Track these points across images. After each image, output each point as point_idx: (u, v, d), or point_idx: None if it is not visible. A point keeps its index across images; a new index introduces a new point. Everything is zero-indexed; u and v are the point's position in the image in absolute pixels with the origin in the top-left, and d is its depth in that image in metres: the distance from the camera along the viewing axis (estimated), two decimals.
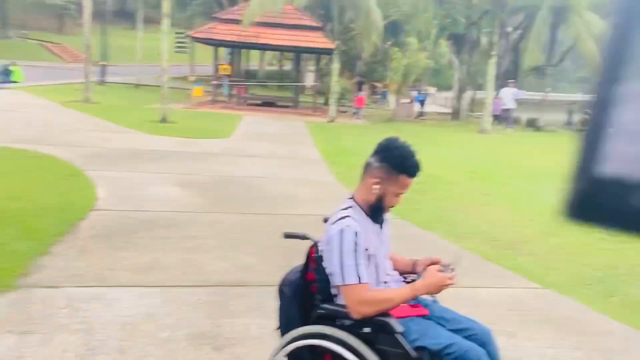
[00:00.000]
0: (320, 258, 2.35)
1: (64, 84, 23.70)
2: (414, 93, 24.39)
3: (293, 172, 9.38)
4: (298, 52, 24.97)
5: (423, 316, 2.38)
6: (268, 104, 23.21)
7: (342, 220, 2.28)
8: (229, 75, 24.67)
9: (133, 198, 6.80)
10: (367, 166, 2.36)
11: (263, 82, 33.75)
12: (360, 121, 20.53)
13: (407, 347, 2.19)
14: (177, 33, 28.67)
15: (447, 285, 2.27)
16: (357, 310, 2.19)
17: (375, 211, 2.36)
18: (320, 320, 2.37)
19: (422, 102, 24.05)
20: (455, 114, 24.03)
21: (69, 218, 5.75)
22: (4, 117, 13.12)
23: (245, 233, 5.74)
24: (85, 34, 17.95)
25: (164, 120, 14.39)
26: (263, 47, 26.00)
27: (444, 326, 2.37)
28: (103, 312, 3.74)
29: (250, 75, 38.76)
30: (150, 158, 9.52)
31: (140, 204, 6.56)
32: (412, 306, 2.42)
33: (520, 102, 21.41)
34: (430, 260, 2.47)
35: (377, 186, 2.30)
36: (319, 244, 2.39)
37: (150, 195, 7.01)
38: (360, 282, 2.20)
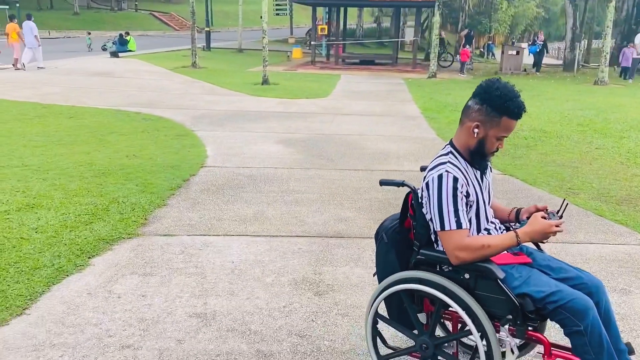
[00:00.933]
0: (420, 205, 2.34)
1: (173, 51, 24.98)
2: (525, 45, 22.83)
3: (392, 129, 9.30)
4: (397, 7, 24.31)
5: (526, 264, 2.32)
6: (366, 62, 22.99)
7: (441, 166, 2.25)
8: (327, 35, 24.66)
9: (238, 155, 7.13)
10: (467, 109, 2.29)
11: (361, 40, 33.37)
12: (464, 76, 19.75)
13: (510, 293, 2.15)
14: None
15: (552, 233, 2.19)
16: (456, 256, 2.18)
17: (476, 156, 2.30)
18: (418, 266, 2.39)
19: (539, 54, 21.97)
20: (567, 65, 22.35)
21: (182, 174, 6.16)
22: (121, 83, 14.14)
23: (343, 188, 5.84)
24: (190, 1, 18.67)
25: (265, 82, 14.76)
26: (361, 4, 25.59)
27: (549, 275, 2.30)
28: (214, 258, 4.02)
29: (349, 34, 38.47)
30: (253, 118, 9.86)
31: (244, 160, 6.87)
32: (515, 254, 2.36)
33: None
34: (536, 208, 2.38)
35: (477, 130, 2.24)
36: (417, 191, 2.38)
37: (254, 152, 7.30)
38: (459, 228, 2.18)
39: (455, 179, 2.20)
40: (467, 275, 2.24)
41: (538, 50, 21.46)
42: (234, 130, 8.73)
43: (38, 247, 4.07)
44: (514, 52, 21.35)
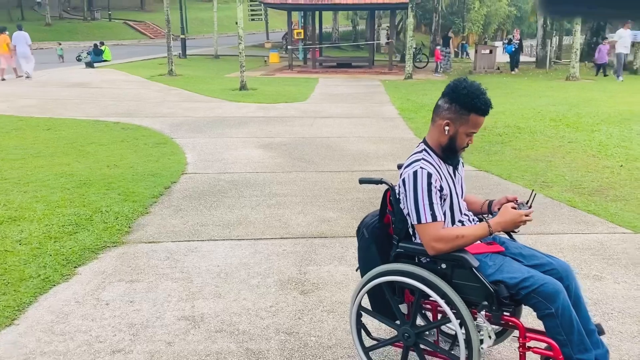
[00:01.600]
0: (398, 200, 2.46)
1: (149, 60, 24.86)
2: (499, 43, 23.17)
3: (370, 130, 9.44)
4: (372, 9, 24.55)
5: (499, 253, 2.44)
6: (343, 65, 23.18)
7: (416, 163, 2.37)
8: (302, 40, 24.80)
9: (219, 161, 7.18)
10: (437, 108, 2.41)
11: (337, 43, 33.60)
12: (439, 75, 20.04)
13: (484, 280, 2.27)
14: (251, 1, 29.04)
15: (522, 222, 2.32)
16: (432, 247, 2.30)
17: (448, 152, 2.42)
18: (398, 259, 2.50)
19: (515, 52, 21.86)
20: (540, 62, 22.81)
21: (163, 182, 6.20)
22: (97, 93, 14.07)
23: (325, 190, 5.94)
24: (165, 9, 18.64)
25: (243, 87, 14.82)
26: (336, 7, 25.77)
27: (521, 262, 2.42)
28: (199, 263, 4.09)
29: (325, 37, 38.68)
30: (232, 124, 9.92)
31: (226, 166, 6.93)
32: (488, 243, 2.49)
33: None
34: (506, 199, 2.51)
35: (448, 127, 2.36)
36: (395, 188, 2.49)
37: (235, 158, 7.37)
38: (434, 221, 2.29)
39: (430, 175, 2.32)
40: (443, 265, 2.35)
41: (514, 49, 21.81)
42: (214, 137, 8.78)
43: (23, 258, 4.09)
44: (487, 51, 21.73)
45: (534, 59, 25.40)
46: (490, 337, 2.31)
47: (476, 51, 21.84)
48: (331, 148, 7.97)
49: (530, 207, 2.40)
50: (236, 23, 15.21)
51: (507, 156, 7.45)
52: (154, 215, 5.15)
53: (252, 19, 32.07)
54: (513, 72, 20.95)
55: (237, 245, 4.43)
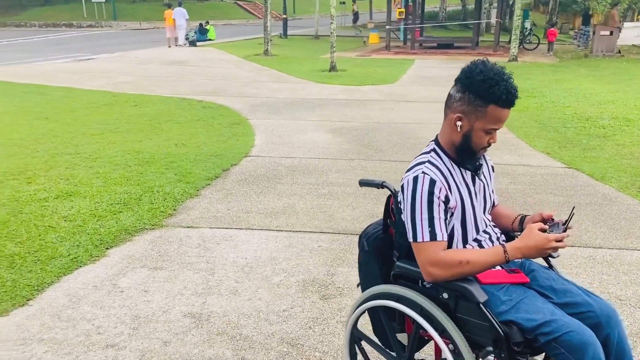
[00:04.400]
0: (399, 210, 2.03)
1: (250, 39, 25.30)
2: (631, 24, 20.75)
3: None
4: None
5: (522, 284, 1.95)
6: (444, 46, 22.07)
7: (418, 167, 1.93)
8: (404, 19, 23.91)
9: (285, 145, 6.97)
10: (449, 99, 1.94)
11: (441, 23, 32.14)
12: (549, 59, 18.42)
13: (493, 319, 1.81)
14: None
15: (551, 249, 1.81)
16: (428, 272, 1.86)
17: (463, 154, 1.94)
18: (398, 280, 2.09)
19: None
20: None
21: (223, 163, 6.10)
22: (192, 71, 14.46)
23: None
24: None
25: (332, 68, 14.51)
26: None
27: (551, 298, 1.92)
28: (228, 254, 3.88)
29: (431, 17, 37.19)
30: (310, 106, 9.67)
31: (290, 150, 6.70)
32: (510, 271, 1.99)
33: None
34: (541, 217, 1.99)
35: (461, 122, 1.88)
36: (397, 193, 2.07)
37: (302, 142, 7.11)
38: (433, 240, 1.85)
39: (432, 182, 1.87)
40: (445, 295, 1.91)
41: None
42: (289, 119, 8.58)
43: (61, 235, 4.12)
44: (607, 33, 19.55)
45: None
46: None
47: (594, 32, 19.75)
48: (404, 135, 7.45)
49: (566, 229, 1.87)
50: (335, 5, 14.84)
51: (606, 152, 6.51)
52: (202, 199, 5.03)
53: (342, 2, 31.64)
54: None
55: (272, 237, 4.17)
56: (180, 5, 20.94)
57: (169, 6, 21.50)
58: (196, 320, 3.04)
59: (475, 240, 2.01)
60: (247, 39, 25.70)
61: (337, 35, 15.23)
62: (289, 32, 27.51)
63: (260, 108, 9.49)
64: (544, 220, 1.95)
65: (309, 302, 3.23)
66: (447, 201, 1.89)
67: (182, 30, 21.49)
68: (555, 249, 1.81)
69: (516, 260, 1.98)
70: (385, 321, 2.12)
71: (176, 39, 21.63)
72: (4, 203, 4.79)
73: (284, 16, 27.87)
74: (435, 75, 13.97)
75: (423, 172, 1.89)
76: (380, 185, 2.20)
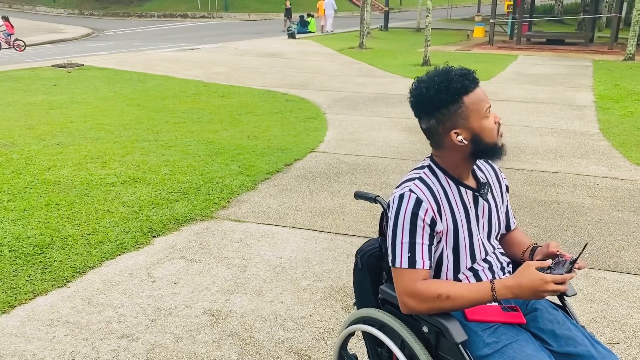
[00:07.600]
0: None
1: (350, 32, 25.22)
2: None
3: (546, 119, 8.11)
4: None
5: (517, 324, 1.70)
6: (554, 41, 20.60)
7: (406, 184, 1.74)
8: (513, 12, 22.63)
9: (354, 141, 6.83)
10: (428, 135, 1.80)
11: (555, 17, 30.02)
12: None
13: None
14: None
15: (548, 292, 1.54)
16: (403, 302, 1.67)
17: (488, 154, 1.73)
18: (386, 304, 1.91)
19: None
20: None
21: (287, 158, 6.09)
22: (284, 63, 14.67)
23: None
24: None
25: (425, 63, 14.07)
26: None
27: (549, 345, 1.65)
28: (266, 251, 3.85)
29: (546, 10, 34.91)
30: (392, 102, 9.42)
31: (356, 148, 6.55)
32: (508, 308, 1.75)
33: None
34: (549, 249, 1.73)
35: (460, 136, 1.68)
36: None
37: (372, 139, 6.93)
38: (411, 267, 1.66)
39: (418, 202, 1.67)
40: (425, 329, 1.71)
41: None
42: (365, 115, 8.41)
43: (115, 221, 4.31)
44: None
45: None
46: None
47: None
48: None
49: (571, 269, 1.58)
50: None
51: None
52: (258, 193, 5.05)
53: None
54: None
55: (313, 238, 4.07)
56: None
57: None
58: (214, 318, 3.03)
59: (471, 269, 1.78)
60: (346, 31, 25.66)
61: (440, 28, 14.73)
62: (391, 25, 27.10)
63: (340, 103, 9.39)
64: (550, 256, 1.69)
65: (329, 310, 3.10)
66: (433, 225, 1.68)
67: (330, 18, 25.31)
68: (553, 292, 1.54)
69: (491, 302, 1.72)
70: (371, 347, 1.96)
71: (322, 26, 25.44)
72: (76, 185, 5.11)
73: (386, 8, 27.50)
74: (536, 73, 13.07)
75: (410, 190, 1.70)
76: (374, 200, 2.03)
